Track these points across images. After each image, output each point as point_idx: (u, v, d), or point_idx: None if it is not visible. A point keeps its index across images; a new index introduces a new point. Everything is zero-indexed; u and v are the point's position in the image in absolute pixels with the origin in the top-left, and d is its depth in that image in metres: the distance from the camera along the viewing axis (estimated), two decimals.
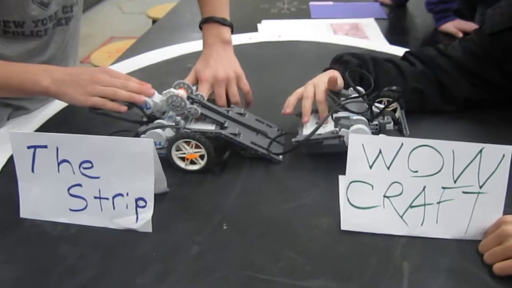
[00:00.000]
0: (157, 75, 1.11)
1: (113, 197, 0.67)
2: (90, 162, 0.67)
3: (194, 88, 0.84)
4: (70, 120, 0.96)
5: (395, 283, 0.58)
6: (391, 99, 0.82)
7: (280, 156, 0.81)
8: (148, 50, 1.31)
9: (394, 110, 0.84)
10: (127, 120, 0.81)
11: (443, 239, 0.64)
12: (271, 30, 1.49)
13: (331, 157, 0.78)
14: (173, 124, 0.79)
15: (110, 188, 0.67)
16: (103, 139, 0.66)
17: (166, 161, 0.74)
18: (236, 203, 0.72)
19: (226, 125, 0.80)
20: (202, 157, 0.77)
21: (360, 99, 0.79)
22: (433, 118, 0.91)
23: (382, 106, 0.79)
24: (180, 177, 0.77)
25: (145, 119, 0.81)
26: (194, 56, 0.94)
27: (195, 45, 1.22)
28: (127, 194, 0.67)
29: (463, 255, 0.62)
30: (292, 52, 1.27)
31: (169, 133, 0.78)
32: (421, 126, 0.87)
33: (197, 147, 0.76)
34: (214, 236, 0.66)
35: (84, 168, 0.67)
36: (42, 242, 0.66)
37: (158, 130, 0.77)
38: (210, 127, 0.80)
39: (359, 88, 0.80)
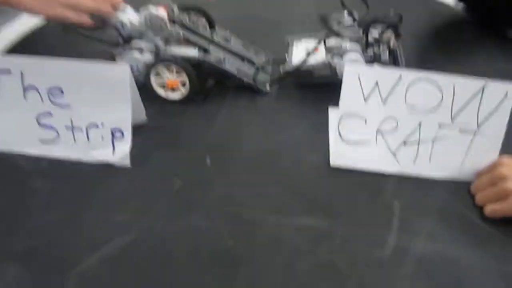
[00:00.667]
0: None
1: (87, 128, 0.62)
2: (60, 89, 0.61)
3: (175, 7, 0.77)
4: (39, 43, 0.88)
5: (385, 221, 0.56)
6: (386, 26, 0.76)
7: (267, 86, 0.76)
8: None
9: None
10: (102, 41, 0.74)
11: (436, 179, 0.62)
12: None
13: (320, 87, 0.74)
14: (152, 46, 0.72)
15: (83, 117, 0.62)
16: (74, 63, 0.60)
17: (144, 90, 0.69)
18: (219, 135, 0.68)
19: (210, 50, 0.74)
20: (183, 84, 0.72)
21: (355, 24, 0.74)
22: (430, 51, 0.87)
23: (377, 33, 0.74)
24: (160, 105, 0.72)
25: (121, 41, 0.74)
26: None
27: None
28: (102, 124, 0.62)
29: (455, 196, 0.60)
30: None
31: (147, 57, 0.72)
32: (416, 59, 0.82)
33: (178, 73, 0.71)
34: (196, 170, 0.62)
35: (53, 95, 0.61)
36: (14, 176, 0.61)
37: (136, 53, 0.71)
38: (193, 52, 0.73)
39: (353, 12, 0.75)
